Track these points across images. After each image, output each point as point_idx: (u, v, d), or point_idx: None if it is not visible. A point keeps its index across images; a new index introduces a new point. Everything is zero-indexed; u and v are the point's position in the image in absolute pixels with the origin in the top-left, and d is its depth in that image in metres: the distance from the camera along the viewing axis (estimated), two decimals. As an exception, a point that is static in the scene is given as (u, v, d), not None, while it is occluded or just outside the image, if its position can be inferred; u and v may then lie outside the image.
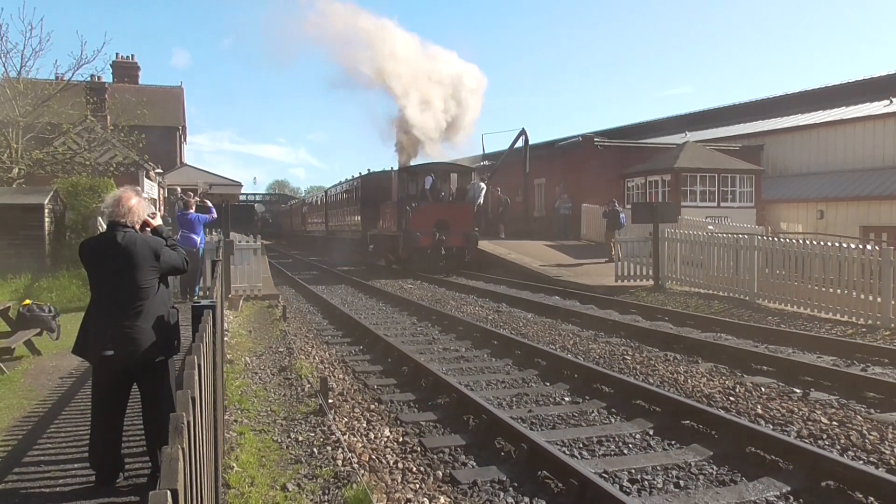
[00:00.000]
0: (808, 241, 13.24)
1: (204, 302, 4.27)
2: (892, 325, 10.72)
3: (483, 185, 23.85)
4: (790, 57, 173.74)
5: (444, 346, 10.32)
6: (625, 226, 20.86)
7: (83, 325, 4.32)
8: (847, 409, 6.63)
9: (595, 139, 29.70)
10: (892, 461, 5.25)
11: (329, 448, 5.48)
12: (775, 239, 14.64)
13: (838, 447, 5.61)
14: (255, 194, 77.75)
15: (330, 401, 6.75)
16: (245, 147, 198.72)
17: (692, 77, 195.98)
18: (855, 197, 25.19)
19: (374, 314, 13.82)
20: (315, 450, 5.44)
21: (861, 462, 5.22)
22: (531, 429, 6.15)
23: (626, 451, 5.67)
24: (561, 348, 9.84)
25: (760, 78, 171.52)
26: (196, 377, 2.59)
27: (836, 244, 12.37)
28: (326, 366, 9.00)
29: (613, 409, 6.84)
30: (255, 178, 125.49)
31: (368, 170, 27.49)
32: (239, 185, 47.16)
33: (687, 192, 25.79)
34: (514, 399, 7.32)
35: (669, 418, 6.35)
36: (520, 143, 30.26)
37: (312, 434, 5.85)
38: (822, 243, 12.79)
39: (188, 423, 2.09)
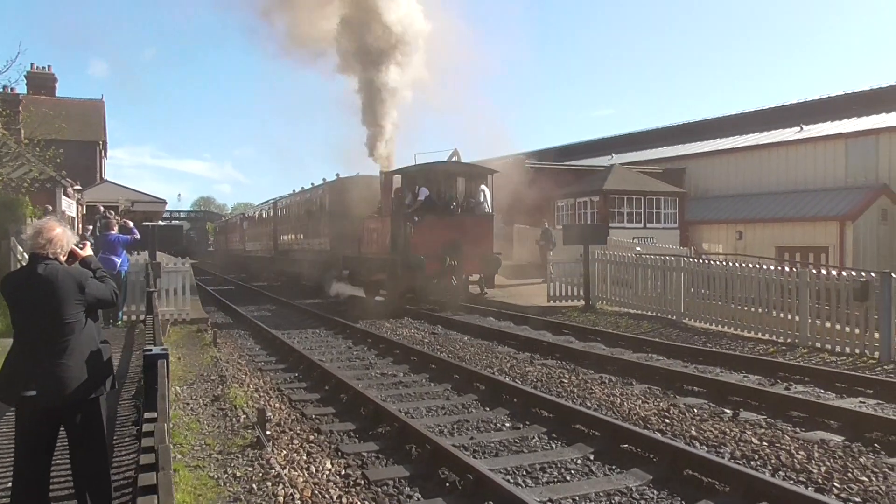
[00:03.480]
0: (730, 263, 13.81)
1: (156, 350, 4.05)
2: (809, 342, 11.27)
3: (487, 188, 18.31)
4: (707, 83, 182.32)
5: (382, 371, 10.20)
6: (556, 246, 21.22)
7: (4, 365, 4.04)
8: (775, 429, 6.90)
9: (526, 160, 30.23)
10: (819, 480, 5.47)
11: (269, 483, 5.28)
12: (699, 260, 15.21)
13: (769, 467, 5.81)
14: (179, 212, 75.52)
15: (268, 432, 6.53)
16: (167, 162, 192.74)
17: (614, 100, 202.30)
18: (771, 219, 26.54)
19: (307, 338, 13.55)
20: (254, 485, 5.24)
21: (792, 482, 5.42)
22: (474, 457, 6.12)
23: (568, 478, 5.70)
24: (499, 371, 9.87)
25: (680, 102, 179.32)
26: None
27: (757, 265, 12.96)
28: (262, 394, 8.74)
29: (554, 435, 6.89)
30: (179, 195, 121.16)
31: (337, 175, 22.49)
32: (163, 202, 45.63)
33: (615, 214, 26.60)
34: (455, 426, 7.28)
35: (609, 442, 6.44)
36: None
37: (251, 468, 5.63)
38: (743, 265, 13.37)
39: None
